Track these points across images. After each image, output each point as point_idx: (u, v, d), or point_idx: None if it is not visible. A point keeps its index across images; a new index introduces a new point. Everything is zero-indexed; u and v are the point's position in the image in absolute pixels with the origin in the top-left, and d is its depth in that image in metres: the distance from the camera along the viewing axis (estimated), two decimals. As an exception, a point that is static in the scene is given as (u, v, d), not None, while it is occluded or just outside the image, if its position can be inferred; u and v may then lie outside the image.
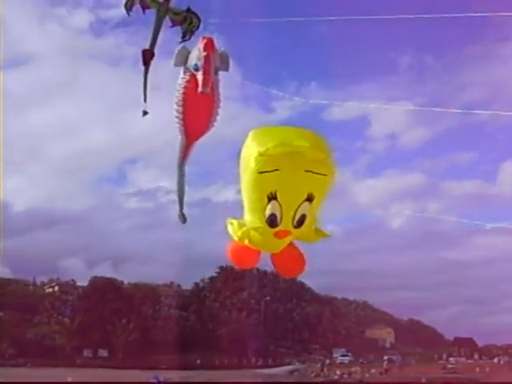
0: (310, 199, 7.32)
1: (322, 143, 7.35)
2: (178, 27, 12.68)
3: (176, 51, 10.63)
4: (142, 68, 12.84)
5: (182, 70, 10.72)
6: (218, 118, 11.02)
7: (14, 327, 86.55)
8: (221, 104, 10.95)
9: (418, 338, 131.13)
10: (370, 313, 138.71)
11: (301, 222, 7.49)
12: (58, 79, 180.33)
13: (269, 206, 7.30)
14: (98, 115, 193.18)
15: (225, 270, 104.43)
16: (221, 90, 10.92)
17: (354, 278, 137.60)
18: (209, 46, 10.27)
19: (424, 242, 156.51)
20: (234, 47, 10.99)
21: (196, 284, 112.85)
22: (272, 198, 7.24)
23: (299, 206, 7.34)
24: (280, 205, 7.27)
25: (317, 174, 7.13)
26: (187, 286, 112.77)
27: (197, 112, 10.72)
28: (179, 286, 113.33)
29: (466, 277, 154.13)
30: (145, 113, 13.18)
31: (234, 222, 8.11)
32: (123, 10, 12.45)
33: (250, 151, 7.14)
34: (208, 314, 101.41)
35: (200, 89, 10.04)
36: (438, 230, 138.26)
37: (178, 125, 10.98)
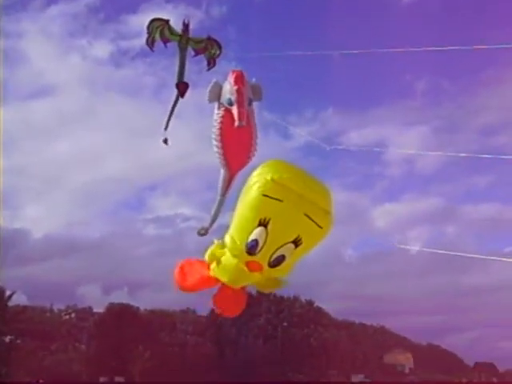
0: (296, 243, 7.29)
1: (329, 196, 7.42)
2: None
3: (209, 87, 10.74)
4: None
5: (215, 105, 10.84)
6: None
7: (31, 354, 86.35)
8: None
9: (438, 362, 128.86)
10: (388, 338, 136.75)
11: (277, 262, 7.43)
12: (78, 109, 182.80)
13: (255, 231, 7.28)
14: (117, 144, 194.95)
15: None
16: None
17: (372, 302, 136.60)
18: (239, 79, 10.40)
19: (441, 266, 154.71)
20: (251, 76, 11.06)
21: (212, 310, 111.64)
22: (263, 224, 7.22)
23: (283, 245, 7.31)
24: (267, 234, 7.25)
25: (313, 222, 7.17)
26: (203, 312, 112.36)
27: (236, 145, 10.79)
28: (195, 311, 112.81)
29: (484, 301, 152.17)
30: (165, 141, 13.28)
31: (217, 243, 7.97)
32: (143, 41, 12.70)
33: (262, 174, 7.23)
34: (224, 340, 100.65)
35: (236, 123, 10.13)
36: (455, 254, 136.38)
37: (218, 159, 11.05)
